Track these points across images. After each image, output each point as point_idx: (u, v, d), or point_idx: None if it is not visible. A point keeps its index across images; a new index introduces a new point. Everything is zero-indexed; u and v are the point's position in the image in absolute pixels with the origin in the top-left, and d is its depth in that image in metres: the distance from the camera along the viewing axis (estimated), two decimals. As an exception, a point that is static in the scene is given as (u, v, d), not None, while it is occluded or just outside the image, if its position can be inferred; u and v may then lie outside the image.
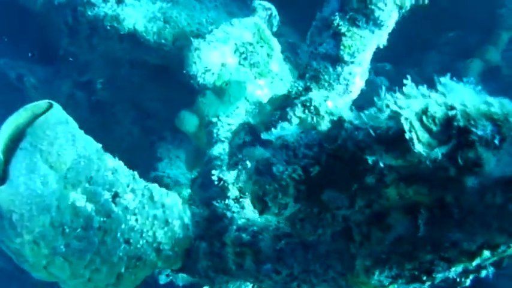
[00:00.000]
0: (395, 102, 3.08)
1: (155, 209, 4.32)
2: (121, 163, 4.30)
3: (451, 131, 2.93)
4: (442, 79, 3.32)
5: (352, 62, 4.54)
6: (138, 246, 4.20)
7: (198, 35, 6.56)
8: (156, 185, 4.50)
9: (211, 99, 5.86)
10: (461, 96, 3.12)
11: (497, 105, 2.93)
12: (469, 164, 2.93)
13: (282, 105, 4.56)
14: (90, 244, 3.98)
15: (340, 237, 3.54)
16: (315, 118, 4.37)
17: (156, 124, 8.64)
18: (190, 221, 4.52)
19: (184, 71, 6.11)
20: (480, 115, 2.91)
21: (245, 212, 4.45)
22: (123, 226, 4.13)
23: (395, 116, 3.01)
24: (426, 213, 3.17)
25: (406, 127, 2.95)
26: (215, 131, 5.62)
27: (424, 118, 2.98)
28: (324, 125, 3.32)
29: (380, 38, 4.78)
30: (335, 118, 3.29)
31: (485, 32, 10.39)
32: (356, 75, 4.52)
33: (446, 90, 3.16)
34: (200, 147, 6.19)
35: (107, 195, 4.08)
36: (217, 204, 4.55)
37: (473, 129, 2.88)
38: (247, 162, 3.43)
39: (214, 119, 5.76)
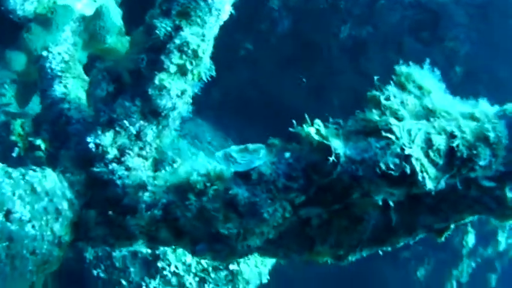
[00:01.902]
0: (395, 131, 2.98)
1: (42, 201, 3.92)
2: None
3: (455, 162, 3.02)
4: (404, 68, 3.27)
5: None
6: (44, 251, 3.90)
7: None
8: (30, 171, 3.96)
9: (36, 31, 4.58)
10: (440, 100, 3.16)
11: (490, 126, 3.05)
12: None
13: (145, 48, 3.85)
14: (2, 274, 3.74)
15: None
16: (194, 62, 3.86)
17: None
18: (72, 193, 4.05)
19: (3, 8, 4.67)
20: (478, 140, 3.03)
21: (133, 173, 4.06)
22: (25, 241, 3.80)
23: (403, 155, 2.94)
24: (396, 205, 3.37)
25: (418, 168, 2.95)
26: (47, 65, 4.56)
27: (431, 153, 3.00)
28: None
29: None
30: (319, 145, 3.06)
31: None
32: (226, 2, 3.92)
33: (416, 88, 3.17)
34: (29, 83, 5.06)
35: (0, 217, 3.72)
36: (99, 170, 4.00)
37: (477, 160, 3.02)
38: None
39: (44, 53, 4.60)
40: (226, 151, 3.26)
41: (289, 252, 3.69)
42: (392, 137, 2.98)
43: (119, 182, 4.07)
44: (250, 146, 3.26)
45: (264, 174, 3.16)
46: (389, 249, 3.56)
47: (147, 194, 3.88)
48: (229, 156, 3.21)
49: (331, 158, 3.01)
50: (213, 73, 4.04)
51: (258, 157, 3.17)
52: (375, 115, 3.07)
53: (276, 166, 3.17)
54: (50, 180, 4.00)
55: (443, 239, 3.52)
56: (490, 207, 3.24)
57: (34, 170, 3.99)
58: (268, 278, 4.84)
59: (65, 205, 4.03)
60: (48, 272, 4.12)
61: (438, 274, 6.51)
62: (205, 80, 4.07)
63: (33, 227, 3.84)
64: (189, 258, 5.46)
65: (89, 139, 3.99)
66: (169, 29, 3.86)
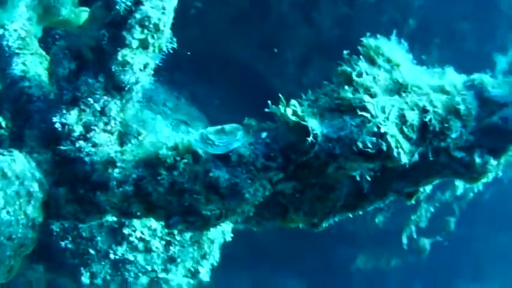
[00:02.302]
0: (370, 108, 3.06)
1: (13, 186, 3.88)
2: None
3: (428, 135, 3.13)
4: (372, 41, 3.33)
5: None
6: (19, 235, 3.89)
7: None
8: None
9: (-8, 10, 4.28)
10: (409, 72, 3.24)
11: (460, 99, 3.17)
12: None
13: (105, 23, 3.74)
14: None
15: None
16: (155, 35, 3.79)
17: None
18: (41, 173, 4.02)
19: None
20: (449, 113, 3.14)
21: (100, 149, 4.03)
22: (2, 228, 3.79)
23: (379, 133, 3.03)
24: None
25: (393, 144, 3.05)
26: (4, 43, 4.32)
27: (405, 129, 3.09)
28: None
29: None
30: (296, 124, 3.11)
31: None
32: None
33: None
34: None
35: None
36: (66, 148, 3.96)
37: (448, 133, 3.14)
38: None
39: (1, 31, 4.33)
40: (203, 133, 3.27)
41: (262, 220, 3.78)
42: (367, 114, 3.05)
43: (86, 159, 4.04)
44: (227, 127, 3.28)
45: (243, 156, 3.19)
46: (360, 213, 3.70)
47: (116, 170, 3.88)
48: (207, 138, 3.22)
49: (309, 138, 3.06)
50: (175, 45, 4.00)
51: (236, 138, 3.20)
52: (348, 93, 3.12)
53: (254, 147, 3.21)
54: (18, 163, 3.95)
55: (413, 201, 3.68)
56: (459, 172, 3.39)
57: (2, 154, 3.92)
58: (232, 235, 4.96)
59: (35, 187, 4.00)
60: (24, 255, 4.10)
61: (397, 220, 6.73)
62: (166, 51, 4.03)
63: (7, 212, 3.82)
64: (154, 223, 5.51)
65: (54, 119, 3.93)
66: (129, 3, 3.77)
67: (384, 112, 3.07)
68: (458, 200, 8.03)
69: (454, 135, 3.17)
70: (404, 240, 5.13)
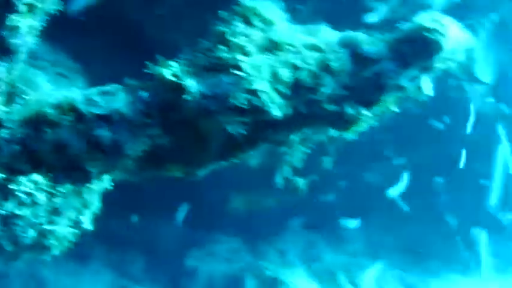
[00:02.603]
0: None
1: None
2: None
3: (300, 91, 3.30)
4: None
5: None
6: None
7: None
8: None
9: None
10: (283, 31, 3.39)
11: (332, 56, 3.33)
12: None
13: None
14: None
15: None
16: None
17: None
18: None
19: None
20: (322, 69, 3.32)
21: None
22: None
23: (252, 90, 3.18)
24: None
25: (266, 100, 3.21)
26: None
27: (278, 85, 3.25)
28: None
29: None
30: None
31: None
32: None
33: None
34: None
35: None
36: None
37: (320, 88, 3.32)
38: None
39: None
40: (86, 94, 3.37)
41: (140, 170, 3.91)
42: (242, 73, 3.19)
43: None
44: (109, 87, 3.38)
45: (124, 114, 3.31)
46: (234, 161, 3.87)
47: (4, 131, 3.94)
48: (90, 99, 3.33)
49: (186, 96, 3.19)
50: (61, 7, 4.03)
51: (117, 98, 3.31)
52: (223, 52, 3.24)
53: (134, 106, 3.33)
54: None
55: (285, 148, 3.87)
56: (330, 121, 3.58)
57: None
58: (112, 184, 5.05)
59: None
60: None
61: (271, 161, 6.66)
62: (53, 12, 4.06)
63: None
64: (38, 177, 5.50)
65: None
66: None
67: (257, 70, 3.21)
68: (333, 141, 7.97)
69: (326, 90, 3.33)
70: (279, 180, 5.25)
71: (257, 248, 7.09)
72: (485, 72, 7.28)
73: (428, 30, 3.52)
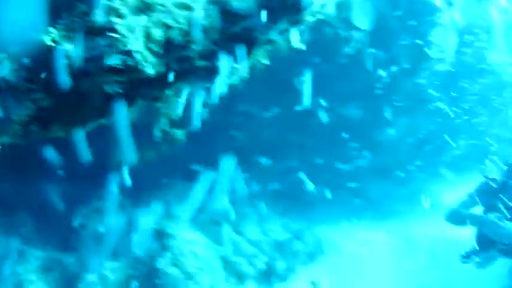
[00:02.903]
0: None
1: None
2: None
3: (172, 49, 3.58)
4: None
5: None
6: None
7: None
8: None
9: None
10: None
11: (202, 13, 3.60)
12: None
13: None
14: None
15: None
16: None
17: None
18: None
19: None
20: (191, 27, 3.58)
21: None
22: None
23: (126, 51, 3.42)
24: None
25: (140, 60, 3.46)
26: None
27: (151, 45, 3.50)
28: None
29: None
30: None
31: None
32: None
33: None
34: None
35: None
36: None
37: (191, 45, 3.63)
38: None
39: None
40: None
41: (25, 133, 4.05)
42: (117, 35, 3.40)
43: None
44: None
45: (9, 81, 3.45)
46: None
47: None
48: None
49: (64, 60, 3.38)
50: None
51: (2, 66, 3.43)
52: (99, 16, 3.43)
53: (18, 73, 3.46)
54: None
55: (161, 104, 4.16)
56: (202, 76, 3.88)
57: None
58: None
59: None
60: None
61: (147, 114, 6.38)
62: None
63: None
64: None
65: None
66: None
67: (131, 31, 3.43)
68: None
69: (196, 47, 3.61)
70: (157, 133, 5.39)
71: (142, 202, 7.13)
72: (362, 20, 7.49)
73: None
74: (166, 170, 6.89)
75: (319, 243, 8.53)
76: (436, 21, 7.42)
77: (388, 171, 9.55)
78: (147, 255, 6.64)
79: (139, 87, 3.89)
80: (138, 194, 6.85)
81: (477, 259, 5.14)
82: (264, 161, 8.09)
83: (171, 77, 3.83)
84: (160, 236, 6.83)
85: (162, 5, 3.59)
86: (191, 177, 6.80)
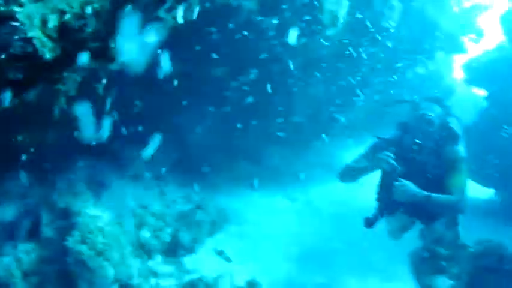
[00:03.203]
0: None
1: None
2: None
3: (67, 32, 3.90)
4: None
5: None
6: None
7: None
8: None
9: None
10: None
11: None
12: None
13: None
14: None
15: None
16: None
17: None
18: None
19: None
20: (81, 8, 3.90)
21: None
22: None
23: (26, 38, 3.71)
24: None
25: (38, 45, 3.76)
26: None
27: (47, 31, 3.81)
28: None
29: None
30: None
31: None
32: None
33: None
34: None
35: None
36: None
37: (85, 28, 3.92)
38: None
39: None
40: None
41: None
42: (17, 23, 3.67)
43: None
44: None
45: None
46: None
47: None
48: None
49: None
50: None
51: None
52: (0, 5, 3.70)
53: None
54: None
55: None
56: (96, 56, 4.26)
57: None
58: None
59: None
60: None
61: (48, 94, 6.21)
62: None
63: None
64: None
65: None
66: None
67: (30, 19, 3.71)
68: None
69: (89, 29, 3.95)
70: (57, 112, 5.52)
71: (48, 182, 7.16)
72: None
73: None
74: (69, 148, 6.97)
75: (223, 212, 8.76)
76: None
77: (288, 139, 9.75)
78: (57, 234, 6.78)
79: (39, 71, 4.15)
80: (44, 175, 6.96)
81: (389, 227, 5.20)
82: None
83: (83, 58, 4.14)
84: (67, 214, 6.95)
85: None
86: (96, 153, 6.93)
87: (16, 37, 3.74)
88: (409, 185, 4.57)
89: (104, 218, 7.00)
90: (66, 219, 6.91)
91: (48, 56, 3.89)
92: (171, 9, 4.90)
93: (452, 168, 4.69)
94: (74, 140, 5.77)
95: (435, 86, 11.57)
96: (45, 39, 3.85)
